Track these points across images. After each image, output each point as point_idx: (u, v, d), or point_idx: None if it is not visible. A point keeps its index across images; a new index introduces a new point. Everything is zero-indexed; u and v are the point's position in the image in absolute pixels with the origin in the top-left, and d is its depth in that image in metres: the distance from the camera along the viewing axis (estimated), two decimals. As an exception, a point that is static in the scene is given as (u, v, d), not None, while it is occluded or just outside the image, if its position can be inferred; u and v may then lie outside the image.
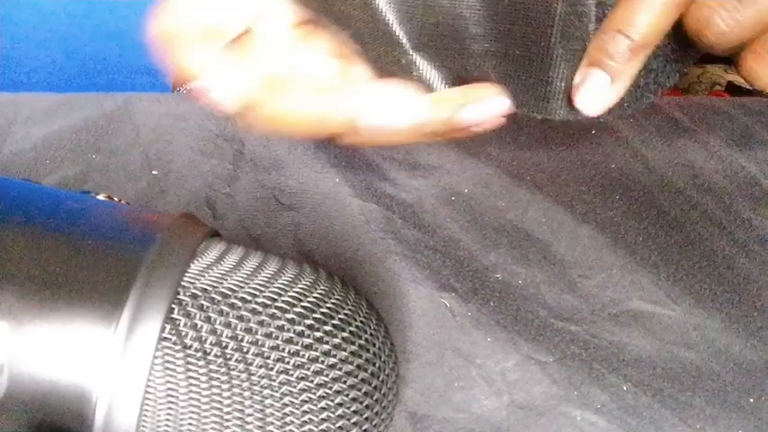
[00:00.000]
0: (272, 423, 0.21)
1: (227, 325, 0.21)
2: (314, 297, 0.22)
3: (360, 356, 0.22)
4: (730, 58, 0.25)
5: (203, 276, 0.22)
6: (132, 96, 0.40)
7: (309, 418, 0.21)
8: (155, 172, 0.36)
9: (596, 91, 0.25)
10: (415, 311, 0.32)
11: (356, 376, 0.22)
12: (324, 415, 0.21)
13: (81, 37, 1.36)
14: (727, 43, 0.24)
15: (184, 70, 0.27)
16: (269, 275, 0.23)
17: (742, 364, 0.32)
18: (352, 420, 0.22)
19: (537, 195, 0.37)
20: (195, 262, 0.22)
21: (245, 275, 0.22)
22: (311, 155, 0.38)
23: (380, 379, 0.23)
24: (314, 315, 0.22)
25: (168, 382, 0.21)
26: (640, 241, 0.36)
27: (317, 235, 0.34)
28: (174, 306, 0.21)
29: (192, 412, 0.21)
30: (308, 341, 0.21)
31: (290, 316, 0.21)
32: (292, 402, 0.21)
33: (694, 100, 0.44)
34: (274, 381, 0.21)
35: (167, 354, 0.21)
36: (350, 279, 0.32)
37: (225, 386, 0.21)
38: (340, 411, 0.21)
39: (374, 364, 0.22)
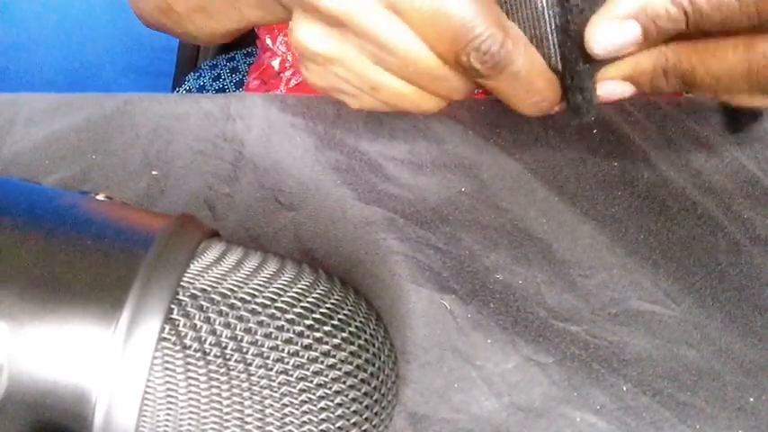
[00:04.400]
0: (272, 423, 0.21)
1: (227, 325, 0.21)
2: (313, 297, 0.22)
3: (359, 357, 0.22)
4: None
5: (203, 276, 0.22)
6: (132, 96, 0.40)
7: (309, 419, 0.21)
8: (155, 172, 0.36)
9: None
10: (415, 312, 0.32)
11: (356, 376, 0.22)
12: (323, 415, 0.21)
13: (81, 37, 1.36)
14: None
15: None
16: (268, 276, 0.23)
17: (742, 363, 0.32)
18: (352, 420, 0.22)
19: (538, 194, 0.37)
20: (195, 262, 0.22)
21: (244, 276, 0.22)
22: (311, 155, 0.38)
23: (380, 379, 0.23)
24: (313, 315, 0.22)
25: (168, 382, 0.21)
26: (641, 240, 0.35)
27: (318, 235, 0.34)
28: (173, 306, 0.21)
29: (192, 412, 0.21)
30: (307, 341, 0.21)
31: (289, 316, 0.21)
32: (292, 402, 0.21)
33: (695, 99, 0.43)
34: (274, 381, 0.21)
35: (167, 354, 0.21)
36: (350, 279, 0.32)
37: (224, 386, 0.21)
38: (339, 412, 0.21)
39: (374, 365, 0.22)
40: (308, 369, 0.21)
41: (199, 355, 0.21)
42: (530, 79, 0.25)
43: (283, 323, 0.21)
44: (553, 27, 0.25)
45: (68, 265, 0.21)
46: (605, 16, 0.23)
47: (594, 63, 0.25)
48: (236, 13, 0.44)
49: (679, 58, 0.24)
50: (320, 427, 0.21)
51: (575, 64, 0.25)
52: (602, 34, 0.23)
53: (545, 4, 0.25)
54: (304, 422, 0.21)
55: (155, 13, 0.51)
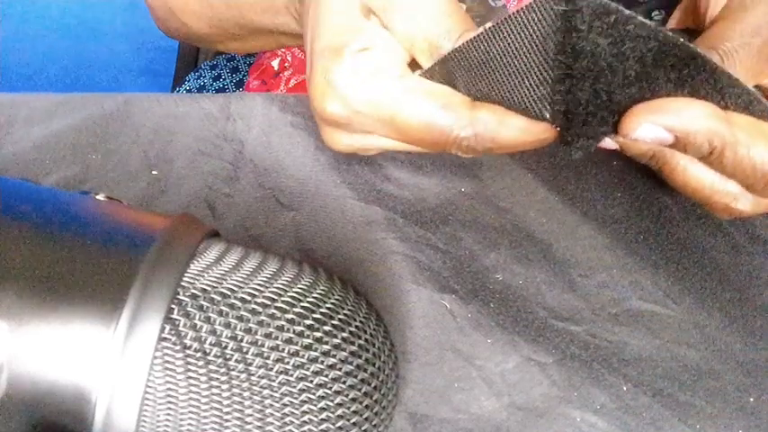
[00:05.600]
0: (272, 423, 0.21)
1: (227, 325, 0.21)
2: (313, 297, 0.22)
3: (359, 357, 0.22)
4: None
5: (203, 276, 0.22)
6: (132, 96, 0.40)
7: (309, 419, 0.21)
8: (155, 172, 0.36)
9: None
10: (415, 312, 0.32)
11: (356, 376, 0.22)
12: (323, 415, 0.21)
13: (81, 37, 1.36)
14: None
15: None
16: (269, 276, 0.23)
17: (742, 363, 0.32)
18: (352, 420, 0.22)
19: (538, 194, 0.37)
20: (195, 262, 0.22)
21: (244, 275, 0.22)
22: (311, 155, 0.38)
23: (380, 379, 0.23)
24: (313, 315, 0.22)
25: (168, 382, 0.21)
26: (641, 240, 0.35)
27: (318, 235, 0.34)
28: (173, 306, 0.21)
29: (192, 412, 0.21)
30: (307, 341, 0.21)
31: (289, 316, 0.21)
32: (292, 402, 0.21)
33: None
34: (274, 381, 0.21)
35: (167, 354, 0.21)
36: (350, 279, 0.32)
37: (224, 386, 0.21)
38: (339, 412, 0.21)
39: (374, 365, 0.22)
40: (308, 369, 0.21)
41: (199, 355, 0.21)
42: (518, 141, 0.27)
43: (283, 323, 0.21)
44: (556, 76, 0.24)
45: (68, 265, 0.21)
46: (652, 118, 0.24)
47: (608, 126, 0.25)
48: (274, 42, 0.45)
49: (673, 157, 0.27)
50: (320, 427, 0.21)
51: (586, 118, 0.25)
52: (643, 130, 0.24)
53: (550, 51, 0.24)
54: (304, 422, 0.21)
55: (182, 33, 0.51)
